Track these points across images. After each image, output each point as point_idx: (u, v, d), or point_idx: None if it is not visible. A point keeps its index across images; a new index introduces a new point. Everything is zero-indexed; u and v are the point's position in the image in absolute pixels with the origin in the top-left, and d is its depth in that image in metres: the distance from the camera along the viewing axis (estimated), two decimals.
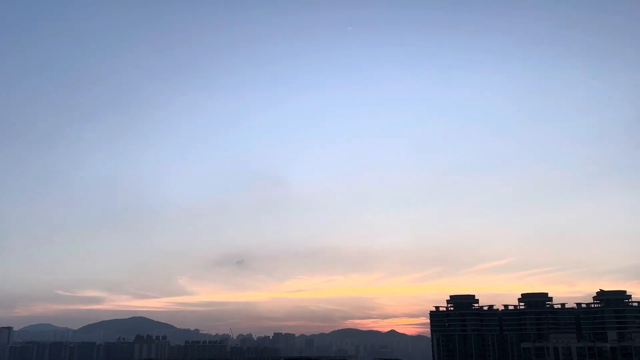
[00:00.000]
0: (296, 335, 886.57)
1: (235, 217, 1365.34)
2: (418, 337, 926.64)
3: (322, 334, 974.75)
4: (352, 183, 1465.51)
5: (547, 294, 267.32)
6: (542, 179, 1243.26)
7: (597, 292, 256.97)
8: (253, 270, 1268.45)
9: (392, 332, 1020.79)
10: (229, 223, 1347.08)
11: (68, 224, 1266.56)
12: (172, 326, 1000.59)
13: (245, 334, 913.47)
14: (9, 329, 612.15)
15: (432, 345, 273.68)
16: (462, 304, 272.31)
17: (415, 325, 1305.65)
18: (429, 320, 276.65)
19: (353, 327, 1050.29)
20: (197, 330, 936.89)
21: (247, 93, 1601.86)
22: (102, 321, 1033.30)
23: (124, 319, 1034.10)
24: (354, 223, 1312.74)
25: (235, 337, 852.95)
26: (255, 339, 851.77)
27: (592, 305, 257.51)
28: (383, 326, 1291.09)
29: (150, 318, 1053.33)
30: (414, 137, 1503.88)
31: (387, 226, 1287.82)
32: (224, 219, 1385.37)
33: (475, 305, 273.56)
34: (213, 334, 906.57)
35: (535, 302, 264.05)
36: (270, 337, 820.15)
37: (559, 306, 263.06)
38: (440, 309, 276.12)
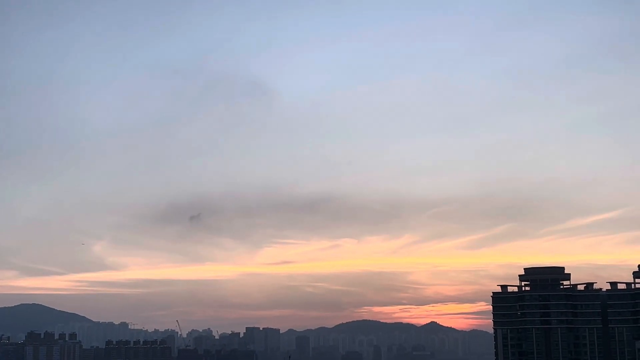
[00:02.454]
0: (281, 331, 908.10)
1: (187, 147, 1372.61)
2: (473, 334, 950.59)
3: (322, 329, 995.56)
4: (371, 95, 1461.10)
5: None
6: None
7: None
8: (214, 231, 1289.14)
9: (433, 325, 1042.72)
10: (177, 156, 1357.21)
11: None
12: (85, 318, 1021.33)
13: (201, 330, 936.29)
14: None
15: (496, 344, 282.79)
16: (544, 281, 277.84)
17: (469, 315, 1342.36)
18: (490, 307, 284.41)
19: (371, 319, 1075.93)
20: (124, 325, 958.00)
21: None
22: None
23: (8, 307, 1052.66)
24: (375, 156, 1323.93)
25: (185, 335, 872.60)
26: (217, 337, 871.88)
27: None
28: (418, 316, 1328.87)
29: (51, 306, 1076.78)
30: (474, 25, 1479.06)
31: (427, 161, 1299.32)
32: (168, 149, 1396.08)
33: (565, 283, 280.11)
34: (150, 329, 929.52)
35: None
36: (241, 335, 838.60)
37: None
38: (510, 289, 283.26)
